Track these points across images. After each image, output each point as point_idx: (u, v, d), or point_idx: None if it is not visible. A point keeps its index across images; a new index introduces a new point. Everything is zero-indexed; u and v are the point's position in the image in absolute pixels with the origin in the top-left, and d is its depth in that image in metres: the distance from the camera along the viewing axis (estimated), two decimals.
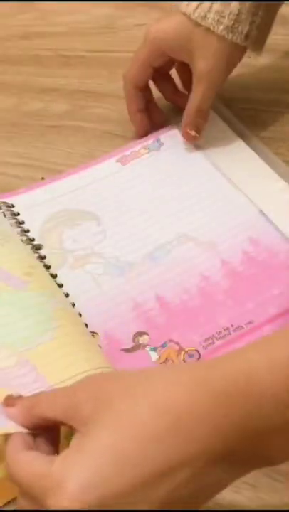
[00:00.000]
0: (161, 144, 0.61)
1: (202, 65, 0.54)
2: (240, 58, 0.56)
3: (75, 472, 0.29)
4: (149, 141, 0.61)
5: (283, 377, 0.30)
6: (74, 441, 0.30)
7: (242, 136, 0.59)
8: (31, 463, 0.31)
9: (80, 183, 0.59)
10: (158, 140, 0.61)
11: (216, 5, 0.52)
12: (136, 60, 0.57)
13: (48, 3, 0.84)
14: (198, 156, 0.59)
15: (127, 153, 0.60)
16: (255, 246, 0.51)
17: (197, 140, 0.58)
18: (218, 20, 0.52)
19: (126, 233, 0.54)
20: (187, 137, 0.58)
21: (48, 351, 0.43)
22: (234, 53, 0.55)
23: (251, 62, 0.60)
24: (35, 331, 0.44)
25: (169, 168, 0.59)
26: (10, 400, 0.35)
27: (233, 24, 0.52)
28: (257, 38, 0.54)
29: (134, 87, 0.59)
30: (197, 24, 0.53)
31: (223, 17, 0.52)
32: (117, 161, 0.60)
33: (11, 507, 0.40)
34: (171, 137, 0.61)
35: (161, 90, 0.62)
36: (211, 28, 0.52)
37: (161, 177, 0.58)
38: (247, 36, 0.53)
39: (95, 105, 0.68)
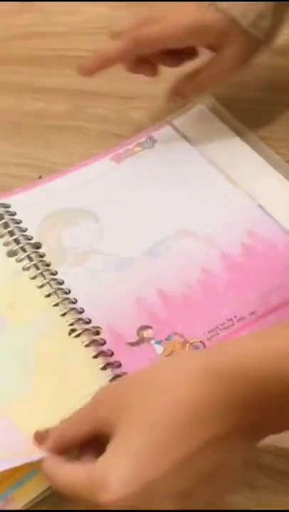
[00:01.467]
0: (154, 142, 0.61)
1: (226, 53, 0.55)
2: (255, 56, 0.57)
3: (115, 470, 0.32)
4: (142, 138, 0.61)
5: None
6: (109, 446, 0.34)
7: (241, 136, 0.59)
8: (74, 471, 0.35)
9: (76, 181, 0.59)
10: (151, 138, 0.61)
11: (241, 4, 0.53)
12: (159, 34, 0.55)
13: (48, 3, 0.83)
14: (193, 152, 0.59)
15: (121, 151, 0.61)
16: (254, 238, 0.51)
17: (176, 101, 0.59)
18: (244, 15, 0.53)
19: (124, 230, 0.54)
20: (171, 97, 0.59)
21: (28, 403, 0.43)
22: (252, 49, 0.56)
23: (252, 62, 0.59)
24: (17, 381, 0.45)
25: (164, 164, 0.59)
26: (39, 439, 0.38)
27: (256, 20, 0.53)
28: (272, 35, 0.55)
29: (136, 53, 0.57)
30: (225, 14, 0.53)
31: (249, 10, 0.53)
32: (111, 159, 0.60)
33: (17, 506, 0.40)
34: (165, 135, 0.61)
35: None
36: (237, 19, 0.53)
37: (157, 174, 0.58)
38: (267, 34, 0.54)
39: (95, 105, 0.68)
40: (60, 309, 0.49)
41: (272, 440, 0.41)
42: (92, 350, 0.46)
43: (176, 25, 0.54)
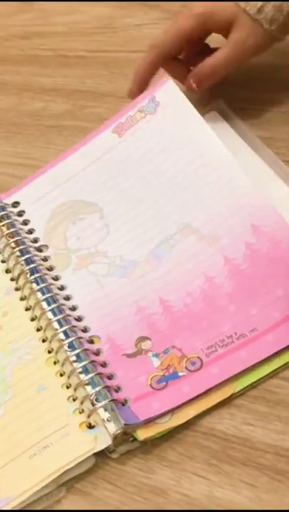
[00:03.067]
0: (157, 104, 0.59)
1: (236, 34, 0.56)
2: (268, 45, 0.58)
3: None
4: (144, 101, 0.59)
5: None
6: None
7: (242, 136, 0.59)
8: None
9: (80, 164, 0.58)
10: (153, 99, 0.59)
11: None
12: (175, 29, 0.58)
13: (48, 3, 0.84)
14: (196, 117, 0.57)
15: (123, 120, 0.59)
16: (258, 234, 0.49)
17: (195, 92, 0.59)
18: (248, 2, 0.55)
19: (129, 226, 0.53)
20: (188, 86, 0.59)
21: None
22: (264, 37, 0.57)
23: (252, 62, 0.59)
24: None
25: (167, 136, 0.57)
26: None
27: (261, 7, 0.55)
28: (285, 26, 0.56)
29: (163, 55, 0.59)
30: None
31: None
32: (114, 131, 0.59)
33: (18, 506, 0.40)
34: (167, 93, 0.59)
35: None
36: (247, 9, 0.55)
37: (160, 150, 0.56)
38: (272, 21, 0.55)
39: (95, 105, 0.68)
40: (41, 334, 0.48)
41: (272, 440, 0.41)
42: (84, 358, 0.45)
43: (188, 16, 0.57)
